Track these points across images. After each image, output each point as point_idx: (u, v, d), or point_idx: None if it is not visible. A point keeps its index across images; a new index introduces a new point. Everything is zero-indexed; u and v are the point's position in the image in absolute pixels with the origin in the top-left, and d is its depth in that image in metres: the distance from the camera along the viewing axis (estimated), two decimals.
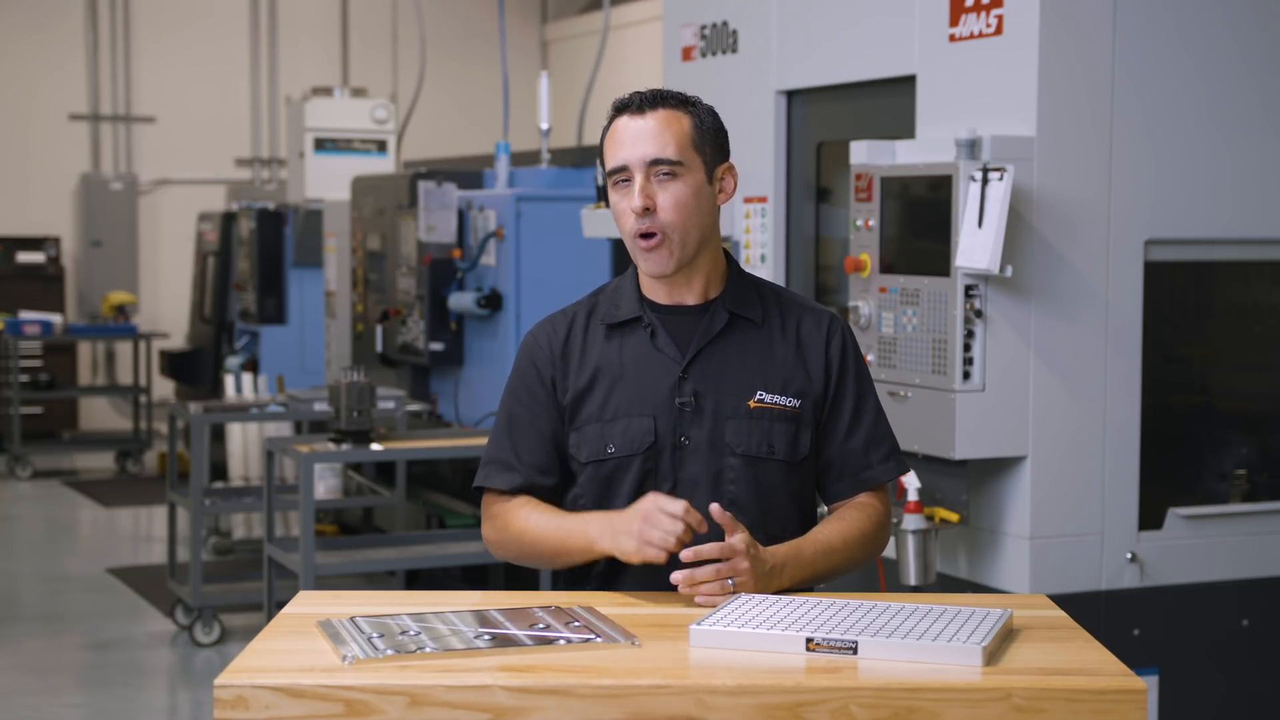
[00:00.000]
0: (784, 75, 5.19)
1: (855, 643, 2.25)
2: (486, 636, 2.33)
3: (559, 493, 2.83)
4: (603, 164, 2.81)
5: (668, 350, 2.78)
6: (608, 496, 2.76)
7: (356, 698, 2.13)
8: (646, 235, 2.72)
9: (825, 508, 2.90)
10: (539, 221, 7.18)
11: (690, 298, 2.81)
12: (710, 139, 2.78)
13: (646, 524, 2.58)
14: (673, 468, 2.74)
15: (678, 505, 2.59)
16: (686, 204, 2.73)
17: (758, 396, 2.76)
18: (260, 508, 7.38)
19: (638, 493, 2.72)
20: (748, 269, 2.99)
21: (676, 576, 2.56)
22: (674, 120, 2.74)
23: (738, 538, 2.59)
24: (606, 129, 2.80)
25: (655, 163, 2.71)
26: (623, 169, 2.73)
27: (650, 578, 2.70)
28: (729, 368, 2.77)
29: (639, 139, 2.72)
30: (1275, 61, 4.48)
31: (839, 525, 2.79)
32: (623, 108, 2.77)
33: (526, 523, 2.77)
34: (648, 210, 2.71)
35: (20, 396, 11.54)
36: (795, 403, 2.77)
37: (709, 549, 2.56)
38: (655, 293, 2.82)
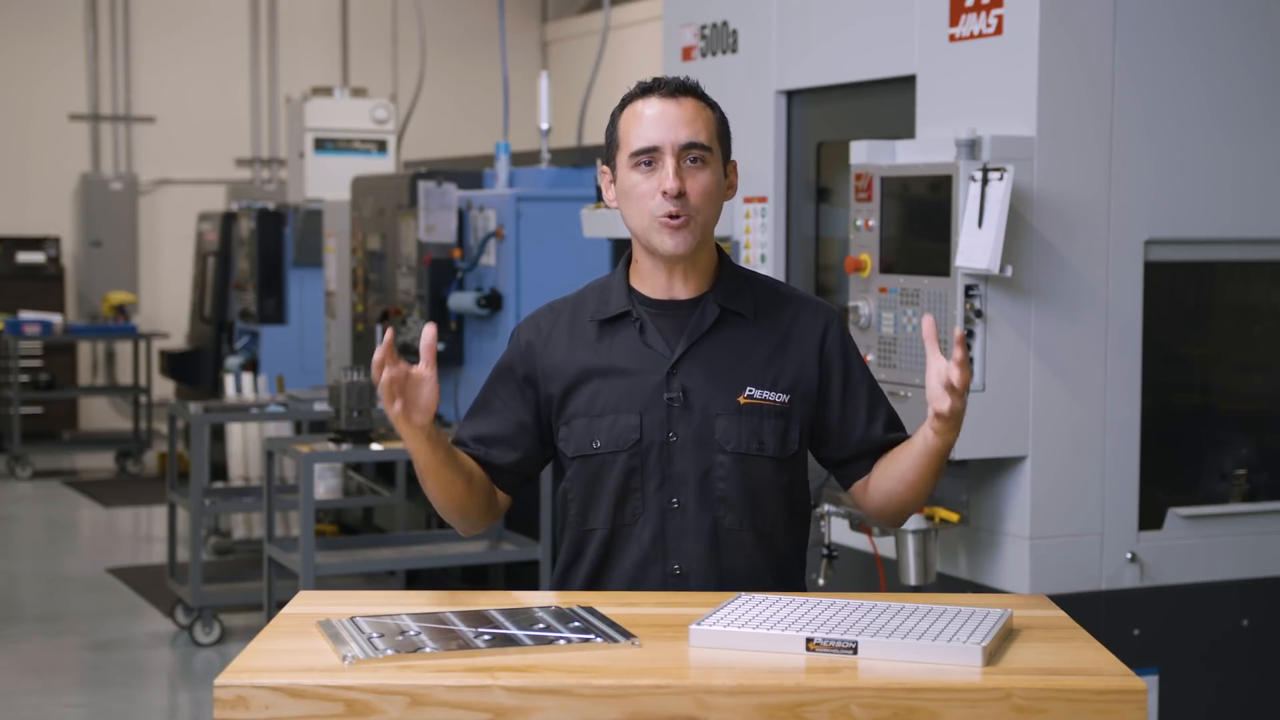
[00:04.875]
0: (784, 75, 5.19)
1: (855, 643, 2.25)
2: (486, 636, 2.33)
3: (498, 472, 2.84)
4: (613, 144, 2.77)
5: (656, 346, 2.76)
6: (594, 490, 2.77)
7: (356, 698, 2.13)
8: (673, 215, 2.70)
9: (844, 491, 2.92)
10: (539, 221, 7.18)
11: (683, 292, 2.79)
12: (725, 135, 2.80)
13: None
14: (660, 464, 2.73)
15: (379, 352, 2.71)
16: (712, 192, 2.74)
17: (748, 392, 2.75)
18: (260, 508, 7.38)
19: (624, 487, 2.73)
20: (748, 269, 3.00)
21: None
22: (703, 110, 2.75)
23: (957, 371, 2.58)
24: (623, 108, 2.76)
25: (690, 146, 2.71)
26: (653, 149, 2.71)
27: (642, 575, 2.72)
28: (719, 364, 2.76)
29: (674, 123, 2.71)
30: (1275, 61, 4.48)
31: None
32: (651, 89, 2.75)
33: None
34: (681, 194, 2.69)
35: (20, 396, 11.55)
36: (785, 398, 2.76)
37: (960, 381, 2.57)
38: (648, 287, 2.81)
